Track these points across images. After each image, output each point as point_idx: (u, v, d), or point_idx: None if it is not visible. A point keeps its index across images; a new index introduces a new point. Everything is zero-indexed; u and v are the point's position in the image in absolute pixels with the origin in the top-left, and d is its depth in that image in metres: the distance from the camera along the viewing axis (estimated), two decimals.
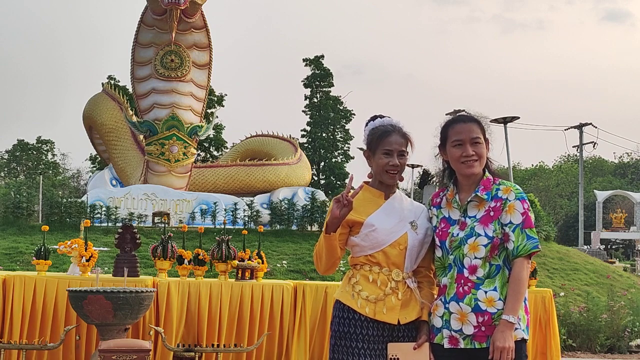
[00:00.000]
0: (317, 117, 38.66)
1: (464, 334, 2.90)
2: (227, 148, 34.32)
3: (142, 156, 17.56)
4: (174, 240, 5.81)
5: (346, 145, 39.56)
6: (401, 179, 3.13)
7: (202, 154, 34.19)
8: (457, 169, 3.07)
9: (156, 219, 15.22)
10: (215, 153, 35.25)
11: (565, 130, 35.52)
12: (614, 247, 41.88)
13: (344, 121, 39.30)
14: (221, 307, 5.46)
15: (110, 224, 14.78)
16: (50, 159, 49.57)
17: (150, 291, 4.71)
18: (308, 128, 38.91)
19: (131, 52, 16.93)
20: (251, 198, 16.79)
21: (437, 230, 3.08)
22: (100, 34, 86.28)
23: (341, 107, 39.30)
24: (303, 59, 39.33)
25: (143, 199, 15.92)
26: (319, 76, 39.01)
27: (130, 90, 19.01)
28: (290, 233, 14.81)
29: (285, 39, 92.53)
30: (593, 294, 11.26)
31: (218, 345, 4.96)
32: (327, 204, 15.48)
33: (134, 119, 17.32)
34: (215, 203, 15.65)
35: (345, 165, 39.15)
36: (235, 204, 15.84)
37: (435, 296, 3.09)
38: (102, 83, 26.34)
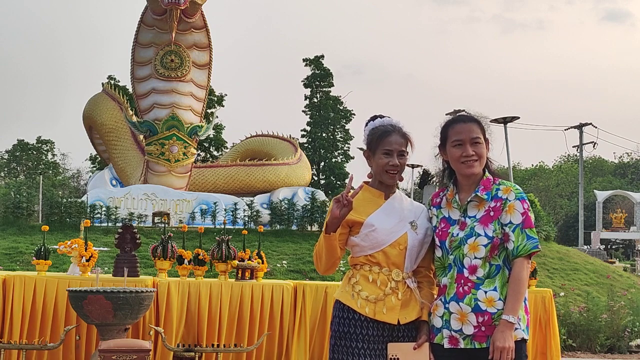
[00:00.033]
0: (317, 117, 38.67)
1: (464, 334, 2.90)
2: (227, 148, 34.32)
3: (142, 156, 17.56)
4: (174, 240, 5.81)
5: (346, 145, 39.58)
6: (401, 179, 3.13)
7: (202, 154, 34.19)
8: (457, 169, 3.07)
9: (156, 219, 15.22)
10: (215, 153, 35.25)
11: (565, 130, 35.57)
12: (614, 247, 41.88)
13: (344, 121, 39.30)
14: (221, 307, 5.46)
15: (110, 224, 14.79)
16: (50, 159, 49.59)
17: (150, 291, 4.71)
18: (308, 128, 38.92)
19: (131, 52, 16.93)
20: (251, 198, 16.79)
21: (437, 230, 3.08)
22: (100, 34, 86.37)
23: (341, 107, 39.31)
24: (303, 59, 39.38)
25: (143, 199, 15.92)
26: (319, 76, 39.01)
27: (130, 90, 19.01)
28: (290, 233, 14.82)
29: (285, 39, 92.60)
30: (593, 294, 11.26)
31: (218, 345, 4.96)
32: (327, 204, 15.48)
33: (134, 119, 17.32)
34: (215, 203, 15.65)
35: (345, 165, 39.16)
36: (235, 204, 15.84)
37: (435, 296, 3.09)
38: (102, 83, 26.35)
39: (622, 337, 9.53)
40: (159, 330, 4.74)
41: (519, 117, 21.90)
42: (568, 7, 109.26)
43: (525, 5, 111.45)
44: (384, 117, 3.20)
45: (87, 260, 5.52)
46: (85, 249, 5.58)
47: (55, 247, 5.98)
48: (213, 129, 22.94)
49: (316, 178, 37.21)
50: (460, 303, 2.92)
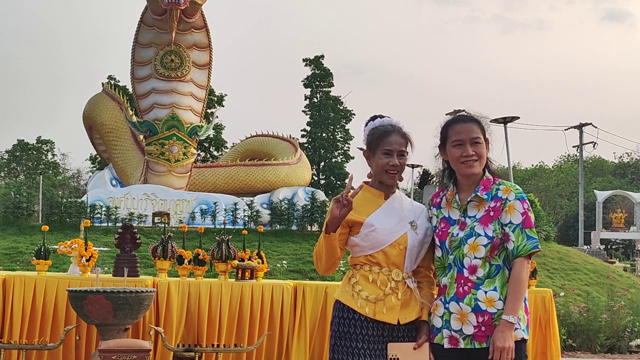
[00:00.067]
0: (317, 117, 38.67)
1: (464, 334, 2.90)
2: (227, 148, 34.32)
3: (142, 156, 17.56)
4: (174, 240, 5.81)
5: (346, 145, 39.59)
6: (401, 179, 3.13)
7: (202, 154, 34.19)
8: (457, 169, 3.07)
9: (156, 219, 15.22)
10: (215, 153, 35.25)
11: (565, 130, 35.57)
12: (614, 247, 41.88)
13: (344, 121, 39.31)
14: (221, 307, 5.46)
15: (110, 224, 14.78)
16: (50, 159, 49.59)
17: (150, 291, 4.71)
18: (308, 128, 38.93)
19: (131, 52, 16.93)
20: (251, 198, 16.79)
21: (437, 230, 3.08)
22: (100, 34, 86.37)
23: (341, 107, 39.31)
24: (303, 59, 39.39)
25: (143, 199, 15.92)
26: (319, 76, 39.02)
27: (130, 90, 19.01)
28: (290, 233, 14.81)
29: (285, 39, 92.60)
30: (593, 294, 11.26)
31: (218, 345, 4.96)
32: (327, 204, 15.48)
33: (134, 119, 17.32)
34: (215, 203, 15.65)
35: (345, 165, 39.17)
36: (235, 204, 15.84)
37: (435, 296, 3.09)
38: (102, 83, 26.35)
39: (622, 337, 9.53)
40: (159, 330, 4.74)
41: (519, 117, 21.90)
42: (568, 7, 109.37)
43: (525, 5, 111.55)
44: (384, 117, 3.20)
45: (87, 260, 5.52)
46: (85, 249, 5.58)
47: (55, 247, 5.98)
48: (213, 129, 22.94)
49: (316, 178, 37.22)
50: (460, 303, 2.92)
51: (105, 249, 11.06)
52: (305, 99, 39.44)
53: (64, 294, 5.11)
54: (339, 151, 39.43)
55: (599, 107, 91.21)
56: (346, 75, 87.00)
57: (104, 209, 15.18)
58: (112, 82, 31.16)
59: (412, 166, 28.47)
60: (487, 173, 3.08)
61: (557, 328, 6.15)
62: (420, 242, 3.07)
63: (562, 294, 11.05)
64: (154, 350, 5.22)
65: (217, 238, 5.86)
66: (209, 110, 27.02)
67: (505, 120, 21.35)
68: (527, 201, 2.99)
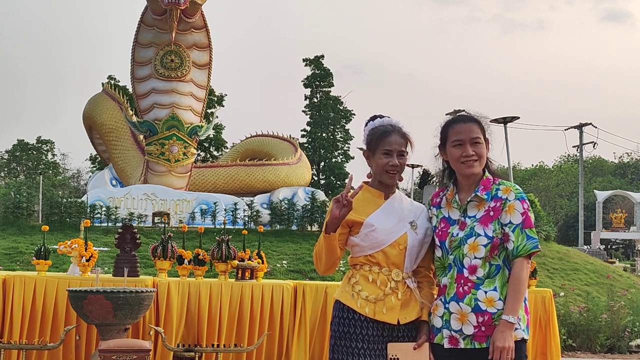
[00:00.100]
0: (317, 117, 38.67)
1: (464, 334, 2.90)
2: (227, 148, 34.32)
3: (142, 156, 17.56)
4: (174, 240, 5.81)
5: (346, 145, 39.58)
6: (401, 179, 3.13)
7: (202, 154, 34.19)
8: (457, 169, 3.07)
9: (156, 219, 15.22)
10: (215, 153, 35.25)
11: (565, 130, 35.57)
12: (614, 247, 41.88)
13: (344, 121, 39.30)
14: (221, 307, 5.46)
15: (110, 224, 14.78)
16: (50, 159, 49.59)
17: (150, 291, 4.71)
18: (308, 128, 38.93)
19: (131, 52, 16.93)
20: (251, 198, 16.79)
21: (437, 230, 3.08)
22: (100, 34, 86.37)
23: (341, 107, 39.31)
24: (303, 59, 39.38)
25: (143, 199, 15.92)
26: (319, 76, 39.01)
27: (130, 90, 19.01)
28: (290, 233, 14.81)
29: (285, 39, 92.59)
30: (593, 294, 11.26)
31: (218, 345, 4.96)
32: (327, 204, 15.47)
33: (134, 119, 17.32)
34: (215, 203, 15.65)
35: (345, 165, 39.17)
36: (235, 204, 15.84)
37: (435, 296, 3.09)
38: (102, 83, 26.35)
39: (622, 337, 9.53)
40: (159, 330, 4.74)
41: (519, 117, 21.90)
42: (568, 7, 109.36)
43: (525, 5, 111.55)
44: (383, 117, 3.20)
45: (87, 260, 5.52)
46: (85, 249, 5.58)
47: (55, 247, 5.98)
48: (213, 129, 22.93)
49: (316, 178, 37.22)
50: (460, 303, 2.92)
51: (105, 249, 11.06)
52: (305, 99, 39.46)
53: (64, 294, 5.11)
54: (339, 151, 39.43)
55: (599, 107, 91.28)
56: (346, 75, 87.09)
57: (104, 209, 15.18)
58: (112, 82, 31.15)
59: (412, 166, 28.47)
60: (487, 173, 3.08)
61: (557, 328, 6.15)
62: (420, 242, 3.07)
63: (562, 294, 11.05)
64: (154, 350, 5.22)
65: (217, 238, 5.86)
66: (209, 110, 27.02)
67: (505, 120, 21.35)
68: (527, 201, 2.99)
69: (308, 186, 18.96)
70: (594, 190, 42.77)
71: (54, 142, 49.38)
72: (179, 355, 4.94)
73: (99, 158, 26.75)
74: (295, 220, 15.43)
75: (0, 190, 29.30)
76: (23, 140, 47.96)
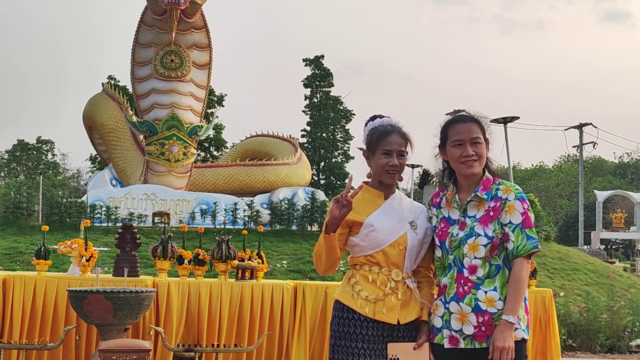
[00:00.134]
0: (317, 117, 38.67)
1: (464, 334, 2.90)
2: (227, 148, 34.32)
3: (142, 156, 17.56)
4: (174, 240, 5.81)
5: (346, 145, 39.58)
6: (400, 179, 3.13)
7: (202, 154, 34.19)
8: (457, 169, 3.07)
9: (156, 219, 15.22)
10: (215, 153, 35.25)
11: (565, 130, 35.57)
12: (614, 247, 41.88)
13: (344, 121, 39.30)
14: (221, 307, 5.46)
15: (110, 224, 14.78)
16: (50, 159, 49.59)
17: (150, 291, 4.71)
18: (308, 128, 38.92)
19: (131, 52, 16.93)
20: (251, 198, 16.79)
21: (437, 230, 3.08)
22: (100, 34, 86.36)
23: (341, 107, 39.31)
24: (303, 59, 39.38)
25: (143, 199, 15.92)
26: (319, 76, 39.01)
27: (130, 90, 19.01)
28: (290, 233, 14.81)
29: (285, 39, 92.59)
30: (593, 294, 11.26)
31: (218, 345, 4.96)
32: (327, 204, 15.47)
33: (134, 119, 17.32)
34: (215, 203, 15.65)
35: (345, 165, 39.17)
36: (235, 204, 15.84)
37: (435, 296, 3.09)
38: (102, 83, 26.35)
39: (622, 337, 9.53)
40: (159, 330, 4.74)
41: (519, 117, 21.88)
42: (568, 7, 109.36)
43: (525, 5, 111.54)
44: (383, 117, 3.20)
45: (87, 260, 5.52)
46: (85, 249, 5.58)
47: (55, 247, 5.98)
48: (213, 129, 22.93)
49: (316, 178, 37.22)
50: (460, 303, 2.92)
51: (105, 249, 11.06)
52: (305, 99, 39.46)
53: (64, 294, 5.11)
54: (339, 151, 39.42)
55: (599, 107, 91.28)
56: (346, 75, 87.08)
57: (104, 209, 15.18)
58: (112, 82, 31.16)
59: (412, 166, 28.46)
60: (487, 173, 3.08)
61: (557, 328, 6.15)
62: (420, 242, 3.07)
63: (562, 294, 11.05)
64: (154, 350, 5.22)
65: (217, 238, 5.86)
66: (209, 110, 27.02)
67: (505, 120, 21.34)
68: (527, 201, 2.99)
69: (308, 186, 18.96)
70: (594, 190, 42.77)
71: (54, 142, 49.46)
72: (179, 355, 4.94)
73: (99, 158, 26.76)
74: (295, 220, 15.43)
75: (0, 190, 29.30)
76: (23, 140, 48.01)
